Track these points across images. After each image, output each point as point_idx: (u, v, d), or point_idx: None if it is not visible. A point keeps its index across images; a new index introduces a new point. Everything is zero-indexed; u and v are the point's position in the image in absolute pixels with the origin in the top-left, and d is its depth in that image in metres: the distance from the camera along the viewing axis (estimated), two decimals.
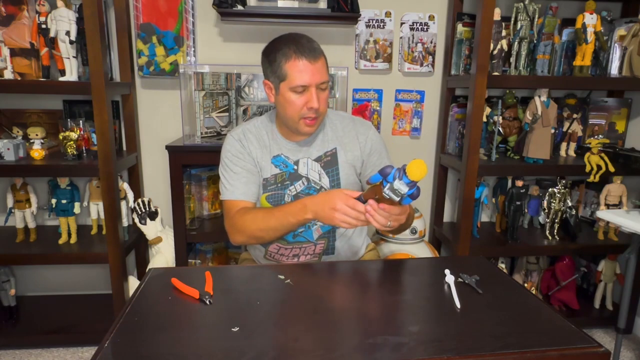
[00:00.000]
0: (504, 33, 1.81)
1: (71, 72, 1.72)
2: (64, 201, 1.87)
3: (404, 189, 0.91)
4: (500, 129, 1.91)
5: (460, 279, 1.00)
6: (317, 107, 1.16)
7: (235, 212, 1.22)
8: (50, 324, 1.91)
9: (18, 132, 1.90)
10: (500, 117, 1.90)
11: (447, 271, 1.00)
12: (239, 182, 1.24)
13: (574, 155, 2.04)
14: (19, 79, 1.72)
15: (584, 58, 1.82)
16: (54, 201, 1.88)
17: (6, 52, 1.70)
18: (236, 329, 0.79)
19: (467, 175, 1.78)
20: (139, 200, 1.94)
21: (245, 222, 1.18)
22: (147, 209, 1.94)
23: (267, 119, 1.32)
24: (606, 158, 1.81)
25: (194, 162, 1.86)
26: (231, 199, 1.24)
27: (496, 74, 1.81)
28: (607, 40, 1.91)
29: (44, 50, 1.74)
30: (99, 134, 1.66)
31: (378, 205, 0.97)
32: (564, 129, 2.04)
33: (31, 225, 1.91)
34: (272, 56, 1.17)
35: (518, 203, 1.91)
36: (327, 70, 1.20)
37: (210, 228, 1.90)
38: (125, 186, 1.90)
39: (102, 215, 1.83)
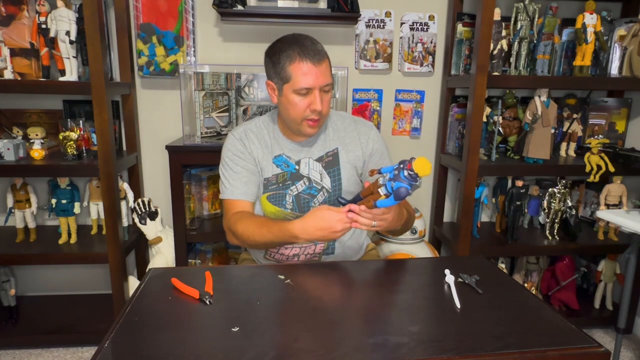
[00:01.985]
0: (504, 33, 1.81)
1: (71, 72, 1.72)
2: (64, 201, 1.87)
3: (408, 179, 0.93)
4: (500, 129, 1.91)
5: (460, 279, 1.00)
6: (321, 109, 1.16)
7: (232, 214, 1.23)
8: (50, 324, 1.91)
9: (18, 132, 1.90)
10: (500, 117, 1.90)
11: (447, 271, 1.00)
12: (239, 181, 1.24)
13: (574, 155, 2.04)
14: (19, 79, 1.72)
15: (584, 58, 1.82)
16: (54, 201, 1.88)
17: (6, 52, 1.70)
18: (236, 329, 0.79)
19: (467, 175, 1.78)
20: (139, 200, 1.94)
21: (238, 229, 1.19)
22: (147, 209, 1.94)
23: (269, 118, 1.32)
24: (606, 158, 1.81)
25: (194, 162, 1.86)
26: (230, 199, 1.25)
27: (496, 74, 1.81)
28: (607, 40, 1.91)
29: (44, 50, 1.74)
30: (99, 134, 1.66)
31: (359, 208, 1.01)
32: (564, 129, 2.04)
33: (31, 225, 1.91)
34: (276, 57, 1.17)
35: (518, 203, 1.91)
36: (331, 73, 1.19)
37: (210, 228, 1.90)
38: (125, 186, 1.90)
39: (102, 215, 1.83)
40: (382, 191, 0.98)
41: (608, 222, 1.99)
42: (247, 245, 1.23)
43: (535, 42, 1.87)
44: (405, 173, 0.92)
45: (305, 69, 1.13)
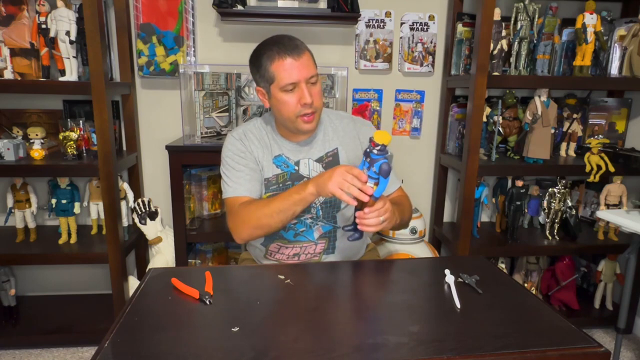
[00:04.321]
0: (504, 33, 1.81)
1: (71, 72, 1.72)
2: (64, 201, 1.87)
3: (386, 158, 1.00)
4: (500, 129, 1.91)
5: (460, 279, 1.00)
6: (310, 101, 1.16)
7: (238, 205, 1.21)
8: (50, 324, 1.91)
9: (18, 132, 1.90)
10: (500, 117, 1.90)
11: (447, 271, 1.00)
12: (242, 179, 1.24)
13: (574, 155, 2.03)
14: (19, 79, 1.72)
15: (584, 58, 1.82)
16: (54, 201, 1.88)
17: (6, 52, 1.70)
18: (236, 329, 0.79)
19: (467, 175, 1.78)
20: (139, 200, 1.94)
21: (250, 211, 1.17)
22: (147, 209, 1.94)
23: (267, 120, 1.32)
24: (606, 158, 1.81)
25: (194, 162, 1.86)
26: (235, 196, 1.23)
27: (496, 74, 1.81)
28: (607, 40, 1.91)
29: (44, 50, 1.74)
30: (99, 134, 1.66)
31: (364, 212, 1.04)
32: (564, 129, 2.04)
33: (31, 225, 1.91)
34: (258, 62, 1.18)
35: (518, 203, 1.91)
36: (315, 64, 1.20)
37: (210, 228, 1.90)
38: (125, 186, 1.90)
39: (102, 215, 1.83)
40: (370, 182, 1.01)
41: (608, 222, 1.99)
42: (260, 225, 1.16)
43: (535, 42, 1.87)
44: (375, 151, 0.99)
45: (286, 65, 1.14)
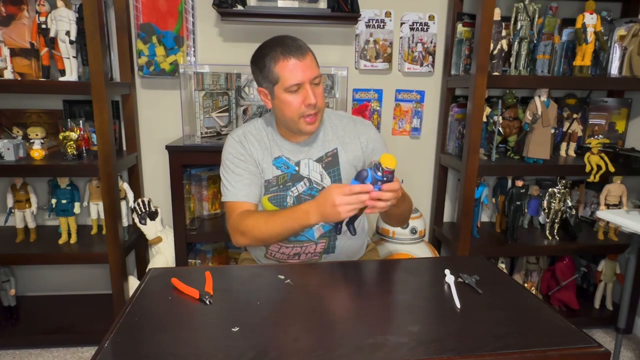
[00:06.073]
0: (504, 33, 1.81)
1: (71, 72, 1.72)
2: (64, 201, 1.87)
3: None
4: (500, 129, 1.91)
5: (460, 279, 1.00)
6: (315, 102, 1.16)
7: (236, 215, 1.22)
8: (50, 324, 1.91)
9: (18, 132, 1.90)
10: (500, 117, 1.90)
11: (447, 271, 1.00)
12: (241, 183, 1.24)
13: (574, 155, 2.03)
14: (19, 79, 1.72)
15: (584, 58, 1.82)
16: (54, 201, 1.88)
17: (6, 52, 1.70)
18: (236, 329, 0.79)
19: (467, 175, 1.78)
20: (139, 200, 1.94)
21: (247, 226, 1.18)
22: (147, 209, 1.94)
23: (267, 120, 1.32)
24: (606, 158, 1.81)
25: (194, 162, 1.86)
26: (233, 201, 1.24)
27: (496, 74, 1.81)
28: (607, 40, 1.91)
29: (44, 50, 1.74)
30: (99, 134, 1.66)
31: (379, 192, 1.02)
32: (564, 129, 2.04)
33: (31, 225, 1.91)
34: (261, 63, 1.18)
35: (518, 203, 1.91)
36: (317, 65, 1.20)
37: (210, 228, 1.90)
38: (125, 186, 1.90)
39: (102, 215, 1.83)
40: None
41: (608, 222, 1.99)
42: (257, 240, 1.20)
43: (535, 42, 1.87)
44: (379, 173, 1.00)
45: (290, 66, 1.14)
